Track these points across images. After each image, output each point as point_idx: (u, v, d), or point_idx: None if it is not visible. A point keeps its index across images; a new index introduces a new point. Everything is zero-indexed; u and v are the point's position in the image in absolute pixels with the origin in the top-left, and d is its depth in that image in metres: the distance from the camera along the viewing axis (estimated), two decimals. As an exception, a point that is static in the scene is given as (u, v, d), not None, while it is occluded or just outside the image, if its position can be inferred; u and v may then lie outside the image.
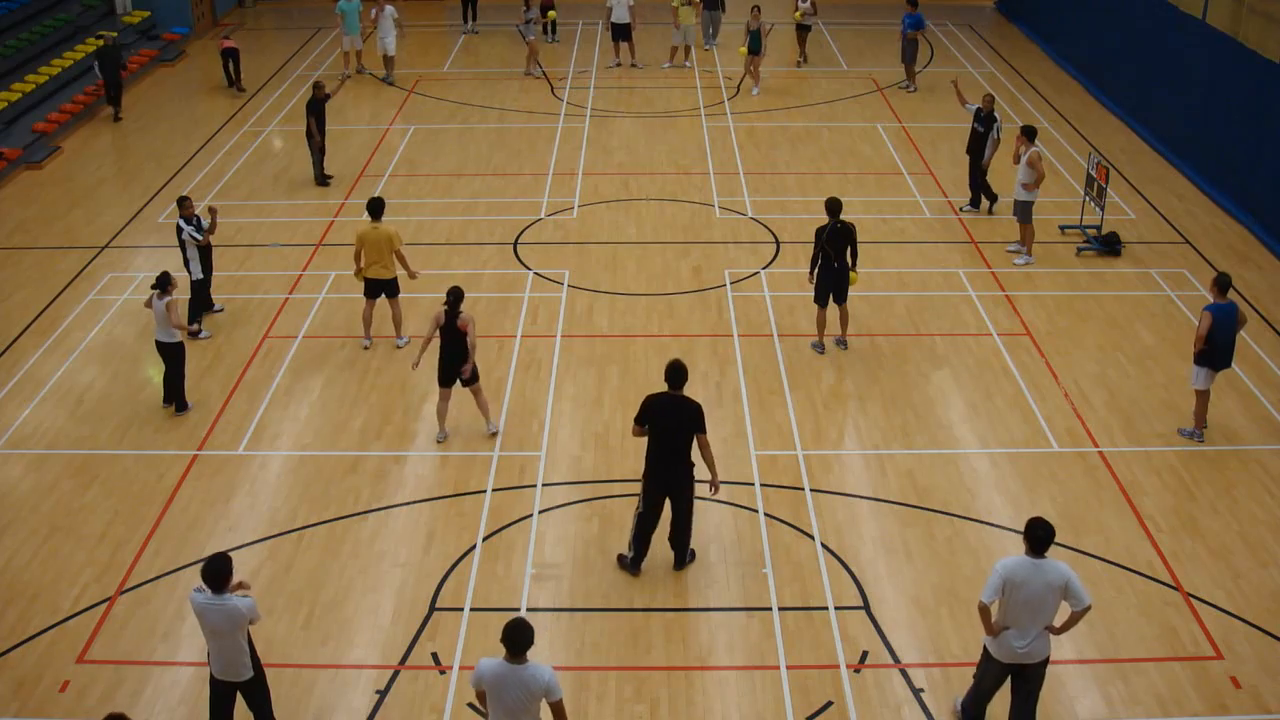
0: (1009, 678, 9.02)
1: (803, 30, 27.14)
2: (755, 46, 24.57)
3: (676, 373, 10.64)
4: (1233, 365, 13.37)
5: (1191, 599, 10.91)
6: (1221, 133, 19.79)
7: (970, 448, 13.12)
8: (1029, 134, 17.07)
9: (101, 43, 24.43)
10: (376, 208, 14.80)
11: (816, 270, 14.56)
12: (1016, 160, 17.12)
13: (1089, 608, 8.73)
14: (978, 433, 13.38)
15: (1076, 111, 24.11)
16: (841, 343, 15.03)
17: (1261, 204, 18.45)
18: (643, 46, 28.31)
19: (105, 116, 24.03)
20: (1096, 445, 13.15)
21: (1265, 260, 17.64)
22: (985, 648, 9.05)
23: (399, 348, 15.09)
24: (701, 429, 10.61)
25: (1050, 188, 19.47)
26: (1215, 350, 12.81)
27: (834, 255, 14.41)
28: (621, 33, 26.59)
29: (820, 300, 14.71)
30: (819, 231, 14.42)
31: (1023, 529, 8.81)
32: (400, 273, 14.91)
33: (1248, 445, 13.17)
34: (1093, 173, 17.82)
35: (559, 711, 7.98)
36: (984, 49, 28.58)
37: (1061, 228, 18.40)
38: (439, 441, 13.20)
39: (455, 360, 12.83)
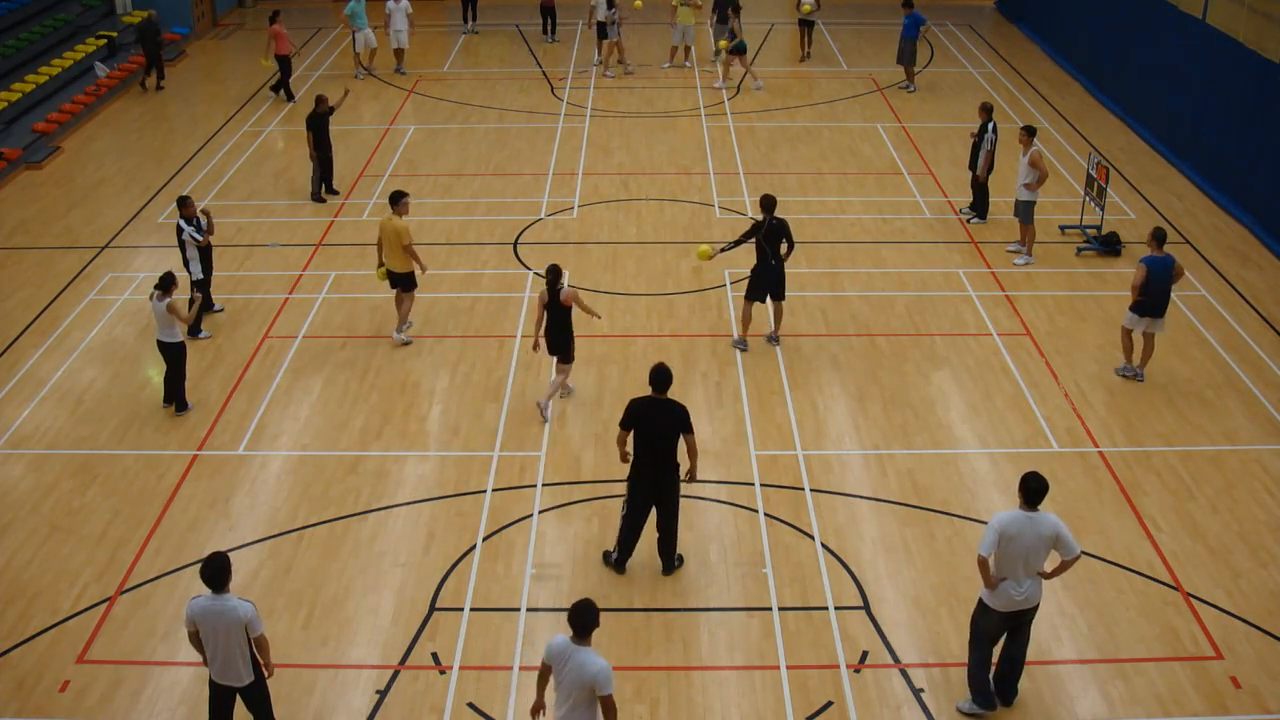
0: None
1: (807, 25, 27.18)
2: (742, 45, 24.94)
3: (662, 377, 10.67)
4: (1164, 314, 14.11)
5: (1191, 599, 10.91)
6: (1221, 133, 19.79)
7: (970, 448, 13.12)
8: (1030, 133, 17.03)
9: (145, 14, 25.42)
10: (393, 199, 14.91)
11: (753, 267, 14.69)
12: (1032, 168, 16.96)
13: (1079, 556, 9.19)
14: (978, 433, 13.38)
15: (1076, 111, 24.11)
16: (774, 340, 15.03)
17: (1261, 204, 18.45)
18: (643, 47, 28.34)
19: (105, 117, 24.04)
20: (1096, 445, 13.15)
21: (1265, 260, 17.64)
22: (983, 602, 9.27)
23: (395, 337, 15.11)
24: (688, 429, 10.67)
25: (1050, 188, 19.46)
26: (1149, 299, 13.86)
27: (771, 252, 14.42)
28: (603, 31, 26.56)
29: (753, 296, 14.75)
30: (755, 226, 14.47)
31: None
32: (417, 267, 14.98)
33: (1248, 445, 13.17)
34: (1093, 173, 17.81)
35: (606, 707, 7.97)
36: (984, 49, 28.58)
37: (1061, 228, 18.40)
38: (545, 420, 13.56)
39: (559, 334, 13.34)
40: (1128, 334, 14.36)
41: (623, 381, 14.31)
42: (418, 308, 15.67)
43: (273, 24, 24.29)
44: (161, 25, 26.24)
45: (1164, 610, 10.77)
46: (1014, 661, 9.55)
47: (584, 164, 21.26)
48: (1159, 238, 14.04)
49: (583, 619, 7.92)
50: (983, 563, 9.05)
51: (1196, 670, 10.10)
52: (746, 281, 15.03)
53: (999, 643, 9.51)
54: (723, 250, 15.01)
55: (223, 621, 8.47)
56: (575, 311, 13.44)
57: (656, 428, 10.64)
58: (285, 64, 24.44)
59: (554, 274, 13.25)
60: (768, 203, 14.47)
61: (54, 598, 10.96)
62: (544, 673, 8.25)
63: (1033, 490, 9.03)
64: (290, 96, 24.71)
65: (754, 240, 14.48)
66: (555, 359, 13.72)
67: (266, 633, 9.90)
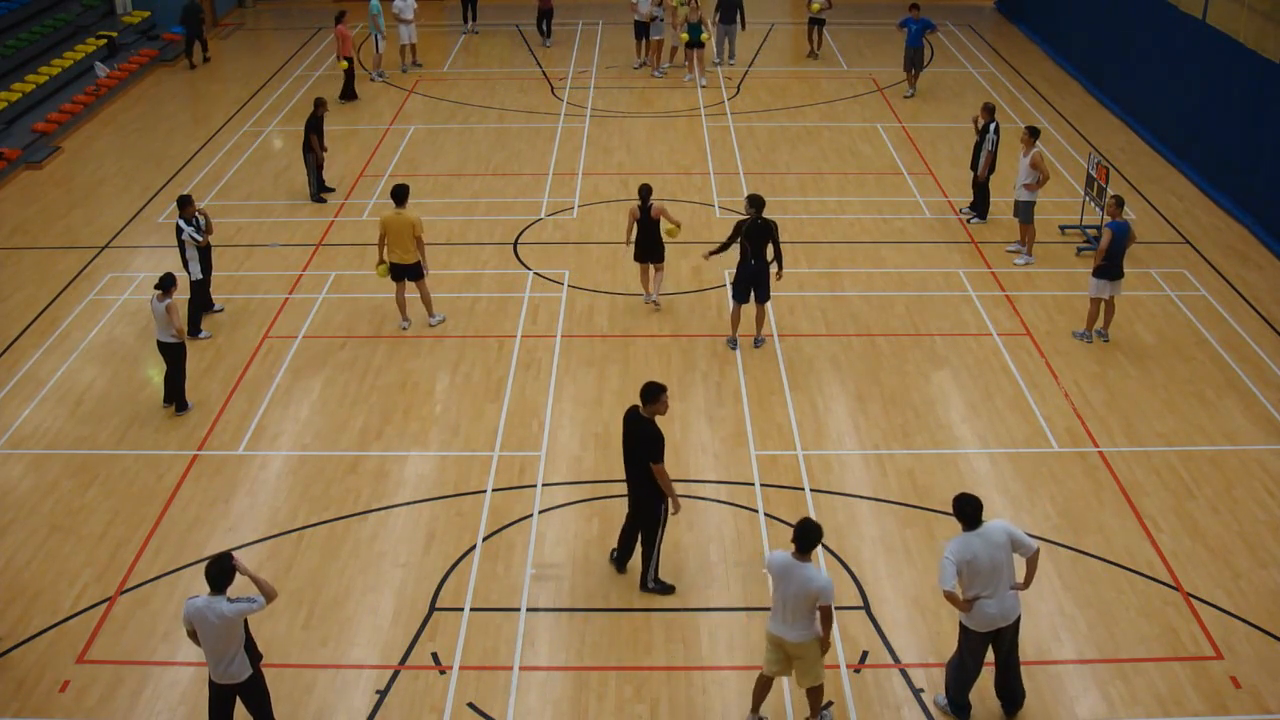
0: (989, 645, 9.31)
1: (816, 24, 27.23)
2: (696, 38, 25.08)
3: (642, 391, 10.34)
4: (1124, 275, 14.98)
5: (1191, 599, 10.91)
6: (1221, 133, 19.79)
7: (970, 448, 13.12)
8: (1033, 133, 17.01)
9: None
10: (400, 194, 14.99)
11: (735, 267, 14.71)
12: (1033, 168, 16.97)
13: (1038, 550, 9.18)
14: (978, 433, 13.38)
15: (1076, 111, 24.11)
16: (758, 342, 15.02)
17: (1261, 204, 18.44)
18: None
19: (105, 117, 24.05)
20: (1096, 445, 13.14)
21: (1265, 260, 17.64)
22: (963, 626, 9.21)
23: (431, 326, 15.37)
24: (651, 456, 10.26)
25: (1050, 188, 19.45)
26: (1113, 264, 14.64)
27: (752, 252, 14.40)
28: (642, 30, 26.58)
29: (736, 296, 14.79)
30: (738, 225, 14.48)
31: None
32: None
33: (1248, 445, 13.17)
34: (1093, 173, 17.80)
35: (825, 616, 8.79)
36: (984, 49, 28.58)
37: (1061, 228, 18.40)
38: (645, 301, 15.90)
39: (648, 243, 15.40)
40: (1097, 304, 14.97)
41: (623, 382, 14.31)
42: (418, 307, 15.67)
43: (338, 25, 24.06)
44: (202, 9, 27.43)
45: (1164, 610, 10.77)
46: (1009, 668, 9.43)
47: (584, 164, 21.26)
48: (1119, 203, 14.77)
49: (809, 537, 8.70)
50: (950, 595, 8.96)
51: (1196, 670, 10.10)
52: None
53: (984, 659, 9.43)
54: (713, 254, 15.07)
55: (217, 624, 8.48)
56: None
57: (628, 442, 10.50)
58: (349, 65, 24.21)
59: (645, 191, 15.18)
60: (755, 201, 14.37)
61: (54, 598, 10.96)
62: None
63: (970, 515, 8.93)
64: (351, 95, 24.45)
65: (739, 240, 14.45)
66: (650, 263, 15.63)
67: (266, 632, 9.93)
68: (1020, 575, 9.24)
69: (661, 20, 26.09)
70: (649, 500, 10.56)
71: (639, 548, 10.99)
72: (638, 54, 27.13)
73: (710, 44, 26.68)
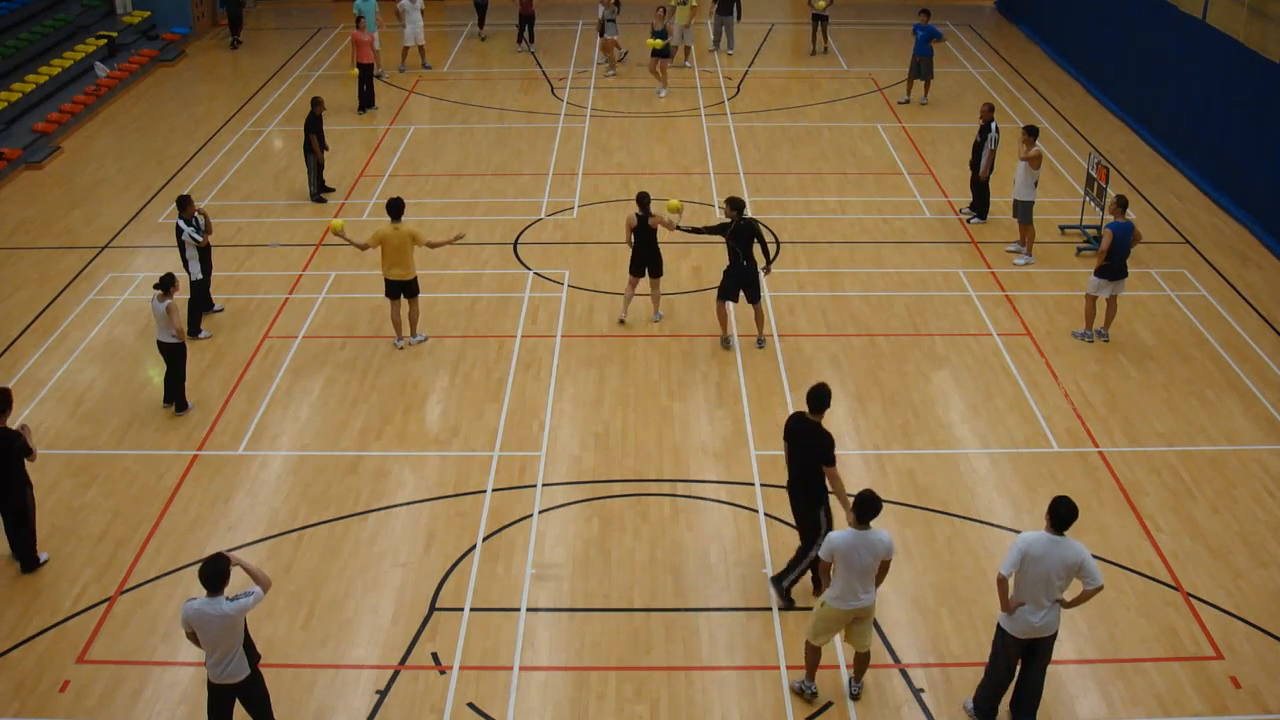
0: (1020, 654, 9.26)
1: (820, 21, 27.24)
2: (667, 48, 24.83)
3: (813, 397, 10.31)
4: (1127, 276, 15.02)
5: (1191, 599, 10.91)
6: (1221, 133, 19.79)
7: (970, 448, 13.12)
8: (1031, 133, 16.99)
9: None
10: (396, 208, 14.74)
11: (725, 268, 14.68)
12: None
13: (1101, 587, 8.97)
14: (978, 433, 13.38)
15: (1076, 111, 24.11)
16: (760, 343, 15.02)
17: (1261, 204, 18.45)
18: (642, 48, 28.25)
19: (105, 117, 24.04)
20: (1096, 445, 13.14)
21: (1265, 260, 17.64)
22: (1000, 627, 9.18)
23: (399, 344, 15.08)
24: (826, 459, 10.17)
25: (1050, 188, 19.48)
26: (1115, 264, 14.69)
27: (741, 253, 14.41)
28: (604, 29, 26.57)
29: (723, 295, 14.79)
30: (721, 226, 14.55)
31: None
32: (420, 272, 15.03)
33: (1248, 445, 13.17)
34: (1093, 173, 17.81)
35: (884, 568, 9.34)
36: (984, 49, 28.58)
37: (1061, 228, 18.40)
38: (620, 321, 15.43)
39: (646, 254, 15.11)
40: (1092, 300, 15.04)
41: (623, 382, 14.31)
42: (433, 310, 15.64)
43: (355, 30, 23.81)
44: None
45: (1164, 610, 10.77)
46: (1030, 690, 9.34)
47: (584, 164, 21.26)
48: (1121, 203, 14.78)
49: (872, 507, 9.13)
50: (1002, 582, 8.92)
51: (1196, 670, 10.10)
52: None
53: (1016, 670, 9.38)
54: (686, 229, 15.01)
55: (219, 624, 8.48)
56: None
57: (798, 450, 10.42)
58: (366, 71, 23.91)
59: (644, 200, 14.88)
60: (735, 203, 14.41)
61: (54, 598, 10.96)
62: (826, 567, 9.40)
63: (1062, 516, 8.80)
64: (367, 103, 24.08)
65: (725, 241, 14.47)
66: (648, 276, 15.28)
67: (266, 632, 9.91)
68: (1069, 596, 9.08)
69: (614, 22, 26.08)
70: (811, 508, 10.46)
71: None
72: (603, 51, 27.16)
73: (681, 45, 26.63)
